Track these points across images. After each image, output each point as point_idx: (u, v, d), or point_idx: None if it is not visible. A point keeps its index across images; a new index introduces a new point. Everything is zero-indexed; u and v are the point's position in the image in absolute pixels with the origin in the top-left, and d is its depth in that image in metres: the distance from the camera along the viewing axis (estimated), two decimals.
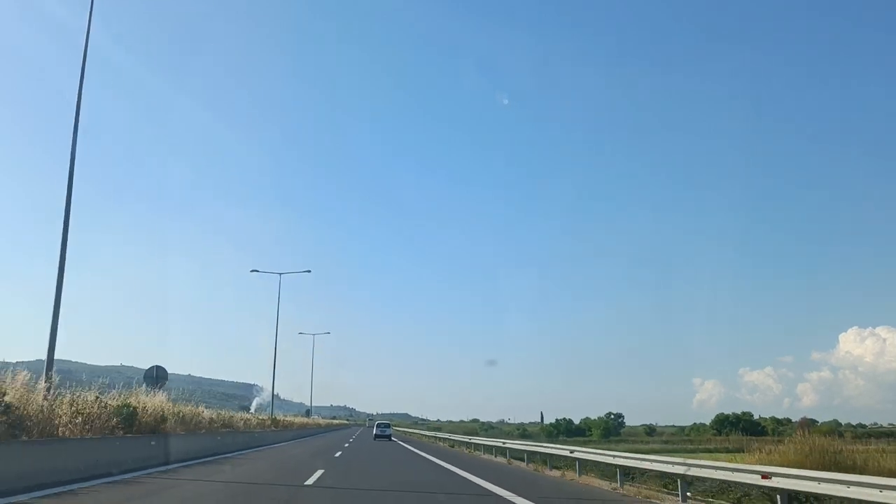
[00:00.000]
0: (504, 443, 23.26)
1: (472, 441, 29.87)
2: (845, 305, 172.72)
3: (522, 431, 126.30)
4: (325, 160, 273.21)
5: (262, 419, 33.08)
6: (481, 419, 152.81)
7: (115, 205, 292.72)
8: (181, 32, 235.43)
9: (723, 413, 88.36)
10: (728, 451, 35.43)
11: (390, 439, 43.02)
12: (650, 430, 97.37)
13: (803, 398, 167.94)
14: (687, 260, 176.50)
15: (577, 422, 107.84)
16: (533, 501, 9.77)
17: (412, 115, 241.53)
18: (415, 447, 30.18)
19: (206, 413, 21.21)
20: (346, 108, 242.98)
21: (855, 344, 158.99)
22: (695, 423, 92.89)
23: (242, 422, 26.24)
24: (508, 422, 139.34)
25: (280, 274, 30.58)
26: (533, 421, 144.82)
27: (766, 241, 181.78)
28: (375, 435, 43.84)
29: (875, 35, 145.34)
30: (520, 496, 10.28)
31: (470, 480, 13.21)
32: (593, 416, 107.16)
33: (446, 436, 43.15)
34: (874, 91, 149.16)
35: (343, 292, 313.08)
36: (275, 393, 42.46)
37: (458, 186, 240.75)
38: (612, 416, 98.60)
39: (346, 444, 28.62)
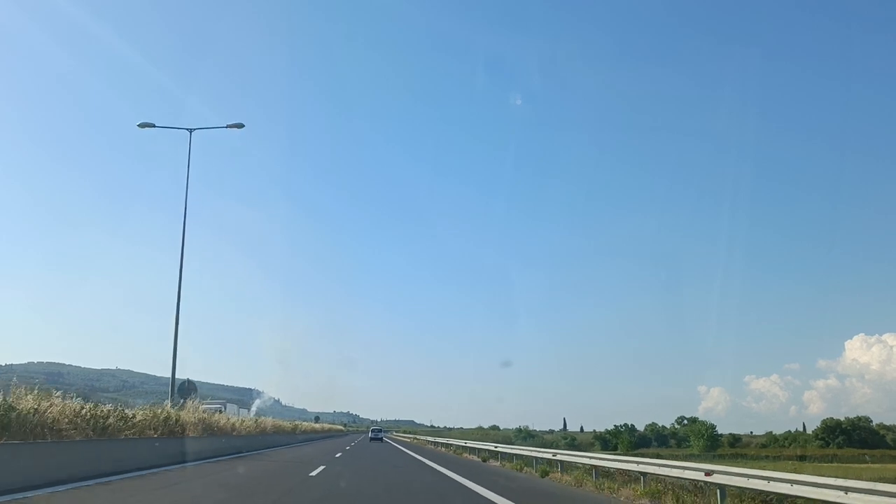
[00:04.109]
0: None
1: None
2: (851, 312, 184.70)
3: (570, 440, 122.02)
4: (333, 162, 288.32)
5: None
6: (493, 426, 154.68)
7: (112, 204, 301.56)
8: (191, 34, 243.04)
9: (832, 418, 79.38)
10: None
11: (382, 441, 56.17)
12: (734, 440, 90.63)
13: (810, 406, 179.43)
14: (693, 265, 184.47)
15: (640, 428, 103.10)
16: None
17: (422, 117, 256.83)
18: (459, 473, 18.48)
19: None
20: (355, 110, 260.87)
21: (861, 351, 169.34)
22: (789, 431, 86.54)
23: None
24: (531, 428, 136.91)
25: (190, 130, 24.00)
26: (551, 428, 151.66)
27: (771, 246, 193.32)
28: (371, 438, 59.50)
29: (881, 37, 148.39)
30: None
31: None
32: (608, 425, 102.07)
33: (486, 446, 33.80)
34: (882, 93, 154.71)
35: (347, 294, 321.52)
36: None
37: (464, 188, 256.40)
38: (686, 422, 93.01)
39: None
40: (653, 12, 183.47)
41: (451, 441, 43.75)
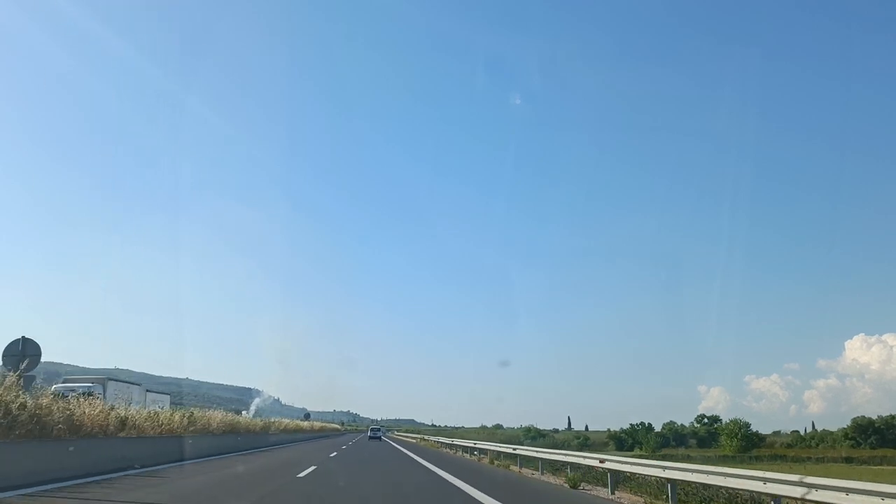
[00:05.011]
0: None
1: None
2: (851, 312, 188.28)
3: (583, 440, 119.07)
4: (333, 162, 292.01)
5: None
6: (497, 425, 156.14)
7: (112, 204, 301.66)
8: (191, 34, 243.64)
9: (863, 416, 76.00)
10: None
11: (381, 440, 58.25)
12: (759, 440, 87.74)
13: (810, 405, 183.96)
14: (693, 265, 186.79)
15: (658, 427, 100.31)
16: None
17: (422, 117, 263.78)
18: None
19: None
20: (355, 110, 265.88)
21: (861, 351, 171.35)
22: (816, 431, 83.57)
23: None
24: (537, 427, 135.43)
25: None
26: (556, 427, 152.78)
27: (771, 246, 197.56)
28: (369, 437, 63.41)
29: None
30: None
31: None
32: (616, 424, 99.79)
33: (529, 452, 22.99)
34: (882, 93, 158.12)
35: (347, 294, 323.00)
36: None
37: (464, 188, 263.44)
38: (706, 420, 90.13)
39: None
40: (653, 12, 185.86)
41: (482, 445, 32.85)
